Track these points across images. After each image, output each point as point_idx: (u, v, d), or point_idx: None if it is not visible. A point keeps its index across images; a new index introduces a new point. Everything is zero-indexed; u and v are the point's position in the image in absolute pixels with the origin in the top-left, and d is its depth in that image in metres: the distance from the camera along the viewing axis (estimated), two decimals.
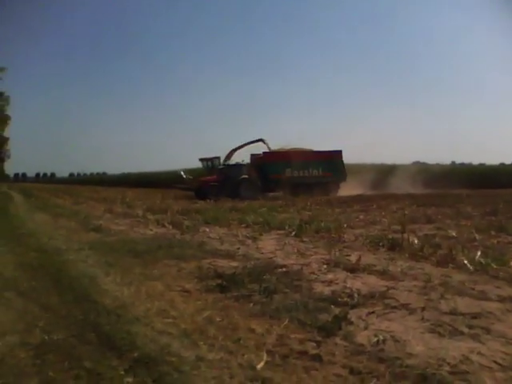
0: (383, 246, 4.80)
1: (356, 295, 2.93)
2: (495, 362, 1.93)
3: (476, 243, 4.73)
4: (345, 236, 5.59)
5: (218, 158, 20.41)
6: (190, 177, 20.30)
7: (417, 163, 30.16)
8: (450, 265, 3.78)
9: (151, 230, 7.09)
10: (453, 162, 34.28)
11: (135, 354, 2.07)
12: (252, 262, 4.09)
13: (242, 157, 19.71)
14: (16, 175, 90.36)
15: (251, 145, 20.17)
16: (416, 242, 4.73)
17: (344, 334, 2.30)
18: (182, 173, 20.93)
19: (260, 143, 19.88)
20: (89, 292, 3.26)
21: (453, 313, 2.55)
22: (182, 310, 2.77)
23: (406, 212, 7.44)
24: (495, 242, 4.92)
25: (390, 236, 5.18)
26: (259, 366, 1.94)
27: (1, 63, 39.56)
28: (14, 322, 2.62)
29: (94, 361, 2.03)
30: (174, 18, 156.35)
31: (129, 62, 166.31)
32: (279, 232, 6.31)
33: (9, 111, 43.90)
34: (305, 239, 5.56)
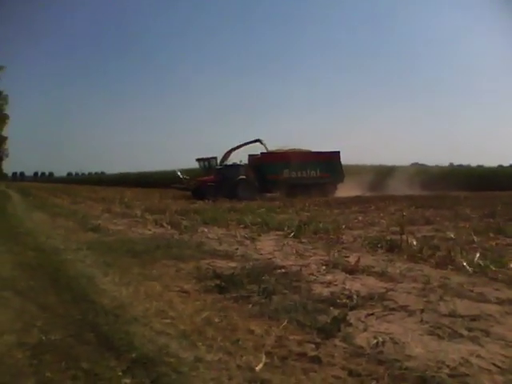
0: (382, 247, 4.80)
1: (355, 297, 2.92)
2: (494, 364, 1.93)
3: (475, 245, 4.74)
4: (343, 237, 5.60)
5: (215, 158, 20.33)
6: (187, 177, 20.25)
7: (415, 164, 30.28)
8: (449, 267, 3.78)
9: (149, 230, 7.07)
10: (451, 164, 34.40)
11: (133, 355, 2.06)
12: (251, 263, 4.08)
13: (240, 157, 19.71)
14: (14, 174, 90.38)
15: (249, 145, 20.14)
16: (415, 243, 4.74)
17: (343, 335, 2.29)
18: (179, 173, 20.89)
19: (257, 144, 19.86)
20: (87, 292, 3.24)
21: (452, 315, 2.55)
22: (180, 311, 2.76)
23: (405, 213, 7.42)
24: (494, 244, 4.93)
25: (388, 237, 5.18)
26: (258, 368, 1.93)
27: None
28: (12, 322, 2.61)
29: (91, 361, 2.02)
30: (173, 18, 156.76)
31: (129, 62, 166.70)
32: (278, 233, 6.30)
33: (7, 110, 44.09)
34: (303, 240, 5.55)
